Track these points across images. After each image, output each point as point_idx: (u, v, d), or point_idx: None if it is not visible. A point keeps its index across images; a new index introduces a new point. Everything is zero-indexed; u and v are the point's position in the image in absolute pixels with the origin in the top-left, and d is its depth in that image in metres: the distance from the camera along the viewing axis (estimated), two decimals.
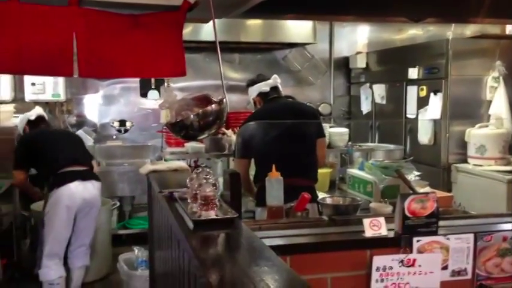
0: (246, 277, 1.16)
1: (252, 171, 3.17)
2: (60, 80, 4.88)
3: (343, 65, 5.97)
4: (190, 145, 3.84)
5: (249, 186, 3.09)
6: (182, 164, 2.86)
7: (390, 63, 5.39)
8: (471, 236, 1.93)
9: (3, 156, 3.83)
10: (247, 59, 5.69)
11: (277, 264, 1.26)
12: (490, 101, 4.48)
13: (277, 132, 3.03)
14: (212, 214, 1.63)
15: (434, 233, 1.89)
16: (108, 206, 4.39)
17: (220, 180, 2.07)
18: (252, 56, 5.71)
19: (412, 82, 4.82)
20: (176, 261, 1.73)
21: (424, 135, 4.67)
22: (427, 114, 4.61)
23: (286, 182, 2.45)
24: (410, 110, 4.87)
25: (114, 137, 5.38)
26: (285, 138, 3.02)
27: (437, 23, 5.38)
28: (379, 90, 5.34)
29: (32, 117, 3.95)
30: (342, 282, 1.82)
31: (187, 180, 1.76)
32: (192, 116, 1.98)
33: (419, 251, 1.87)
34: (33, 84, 4.82)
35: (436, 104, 4.51)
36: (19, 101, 4.90)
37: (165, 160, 3.64)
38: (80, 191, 3.55)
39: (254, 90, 3.24)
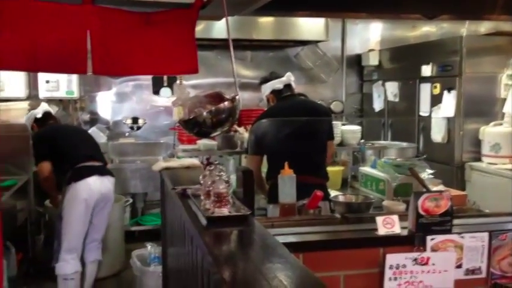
0: (259, 274, 1.16)
1: (264, 169, 3.17)
2: (74, 77, 4.93)
3: (356, 62, 5.93)
4: (203, 142, 3.85)
5: (261, 183, 3.10)
6: (195, 161, 2.86)
7: (403, 61, 5.35)
8: (486, 235, 1.92)
9: (18, 153, 3.83)
10: (259, 56, 5.69)
11: (290, 261, 1.26)
12: (505, 99, 4.44)
13: (290, 130, 3.03)
14: (225, 211, 1.63)
15: (449, 232, 1.88)
16: (121, 203, 4.42)
17: (233, 177, 2.07)
18: (264, 54, 5.71)
19: (426, 80, 4.78)
20: (189, 257, 1.74)
21: (438, 133, 4.63)
22: (440, 112, 4.57)
23: (298, 180, 2.44)
24: (424, 108, 4.84)
25: (127, 134, 5.42)
26: (298, 136, 3.02)
27: (452, 19, 5.32)
28: (392, 88, 5.30)
29: (39, 115, 3.97)
30: (355, 280, 1.82)
31: (200, 177, 1.77)
32: (205, 113, 1.98)
33: (433, 250, 1.86)
34: (47, 81, 4.88)
35: (449, 102, 4.47)
36: (33, 98, 4.96)
37: (178, 157, 3.65)
38: (97, 186, 3.59)
39: (267, 88, 3.25)
